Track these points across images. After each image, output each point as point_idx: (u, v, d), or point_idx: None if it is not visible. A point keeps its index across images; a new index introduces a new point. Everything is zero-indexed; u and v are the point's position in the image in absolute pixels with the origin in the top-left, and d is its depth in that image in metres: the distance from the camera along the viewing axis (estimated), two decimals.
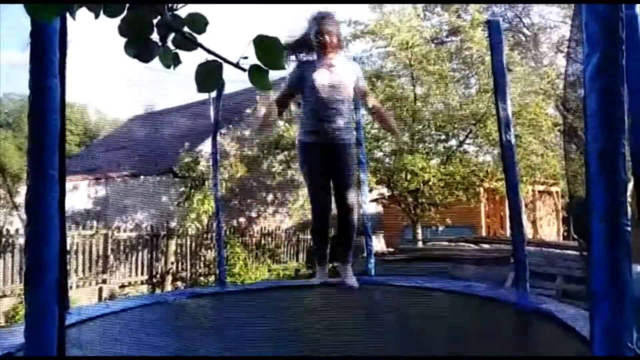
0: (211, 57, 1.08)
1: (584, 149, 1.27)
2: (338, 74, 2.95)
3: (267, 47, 1.04)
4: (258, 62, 1.06)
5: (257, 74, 1.06)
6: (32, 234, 1.20)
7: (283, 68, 1.10)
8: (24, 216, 1.25)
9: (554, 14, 13.25)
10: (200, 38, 1.13)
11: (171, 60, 1.15)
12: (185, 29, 1.10)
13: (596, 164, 1.22)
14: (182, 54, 1.32)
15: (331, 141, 2.90)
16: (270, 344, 3.16)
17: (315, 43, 2.99)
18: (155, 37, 1.11)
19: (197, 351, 2.75)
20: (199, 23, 1.09)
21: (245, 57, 1.06)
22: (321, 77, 2.94)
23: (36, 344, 1.20)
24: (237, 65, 1.06)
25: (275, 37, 1.05)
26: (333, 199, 3.03)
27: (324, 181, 2.95)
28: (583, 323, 2.79)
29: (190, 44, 1.10)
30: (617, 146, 1.20)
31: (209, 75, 1.07)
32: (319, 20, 3.01)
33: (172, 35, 1.11)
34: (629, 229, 1.21)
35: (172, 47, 1.13)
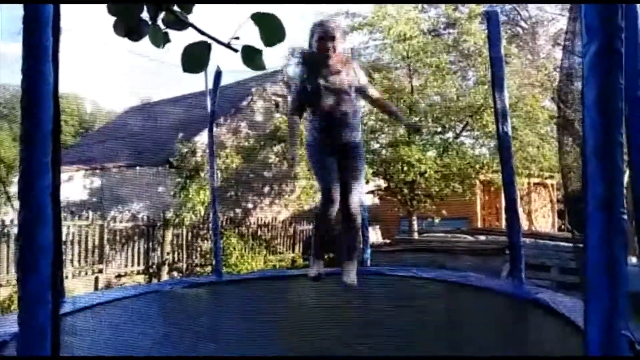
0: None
1: (582, 137, 1.27)
2: (340, 77, 3.02)
3: (267, 23, 1.02)
4: (250, 43, 1.04)
5: (249, 54, 1.04)
6: (25, 220, 1.18)
7: (281, 41, 1.07)
8: (18, 206, 1.23)
9: (551, 6, 13.21)
10: (191, 17, 1.11)
11: (161, 40, 1.12)
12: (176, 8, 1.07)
13: (593, 153, 1.21)
14: (181, 44, 1.29)
15: (339, 141, 2.99)
16: (265, 334, 3.17)
17: (316, 49, 3.06)
18: (144, 16, 1.08)
19: (188, 340, 2.75)
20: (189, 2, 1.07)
21: (237, 38, 1.04)
22: (324, 83, 3.00)
23: (29, 331, 1.19)
24: (228, 46, 1.04)
25: (272, 13, 1.03)
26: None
27: (333, 176, 3.01)
28: (578, 313, 2.81)
29: (181, 23, 1.07)
30: (615, 134, 1.19)
31: (197, 56, 1.05)
32: (317, 28, 3.10)
33: (162, 14, 1.09)
34: (625, 217, 1.21)
35: (162, 26, 1.11)
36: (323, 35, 3.00)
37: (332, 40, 2.98)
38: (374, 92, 3.21)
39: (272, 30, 1.07)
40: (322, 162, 3.05)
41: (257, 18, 1.05)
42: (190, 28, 1.20)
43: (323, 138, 3.01)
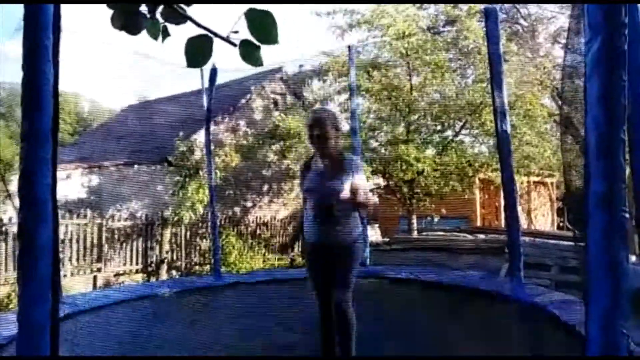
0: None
1: (584, 135, 1.26)
2: (332, 173, 2.84)
3: (259, 20, 1.01)
4: (250, 37, 1.03)
5: (247, 49, 1.03)
6: (25, 218, 1.17)
7: (275, 42, 1.06)
8: (17, 204, 1.22)
9: (551, 4, 13.19)
10: (190, 12, 1.10)
11: (159, 33, 1.11)
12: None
13: (596, 149, 1.20)
14: (178, 42, 1.28)
15: (328, 242, 2.83)
16: (263, 333, 3.16)
17: (309, 141, 2.93)
18: (143, 9, 1.07)
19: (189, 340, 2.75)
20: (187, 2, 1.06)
21: (236, 32, 1.03)
22: (314, 179, 2.89)
23: (29, 329, 1.19)
24: (227, 40, 1.03)
25: (267, 10, 1.02)
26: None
27: (321, 281, 2.88)
28: (575, 311, 2.80)
29: (179, 17, 1.06)
30: (617, 132, 1.18)
31: (199, 50, 1.03)
32: (311, 118, 2.96)
33: (160, 8, 1.07)
34: (626, 215, 1.20)
35: (160, 19, 1.10)
36: (311, 123, 2.87)
37: (321, 129, 2.81)
38: (362, 194, 2.82)
39: (265, 29, 1.06)
40: (309, 263, 2.97)
41: (250, 15, 1.04)
42: (188, 22, 1.19)
43: (311, 234, 2.89)
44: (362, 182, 2.82)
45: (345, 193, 2.76)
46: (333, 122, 2.86)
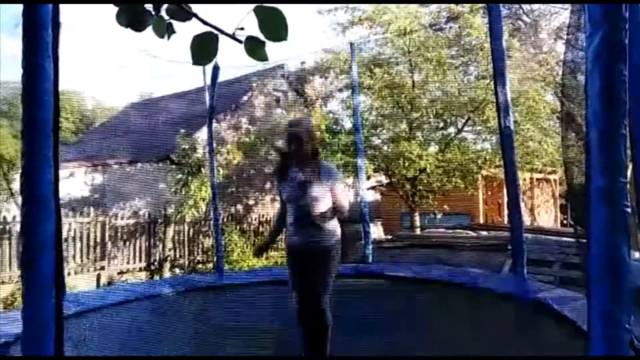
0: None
1: (585, 130, 1.25)
2: (310, 182, 2.97)
3: (269, 17, 1.01)
4: (254, 34, 1.03)
5: (253, 46, 1.04)
6: (27, 216, 1.18)
7: (284, 39, 1.07)
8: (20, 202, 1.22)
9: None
10: (195, 9, 1.10)
11: (164, 31, 1.11)
12: None
13: (597, 144, 1.20)
14: (180, 40, 1.28)
15: (306, 247, 2.95)
16: (266, 334, 3.17)
17: (288, 152, 3.05)
18: (148, 6, 1.07)
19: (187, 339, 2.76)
20: None
21: (242, 28, 1.04)
22: (294, 188, 3.01)
23: (33, 326, 1.19)
24: (232, 37, 1.03)
25: (275, 7, 1.02)
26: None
27: (300, 283, 2.98)
28: (580, 308, 2.80)
29: (184, 14, 1.06)
30: (618, 126, 1.18)
31: (205, 47, 1.04)
32: (288, 130, 3.09)
33: (166, 5, 1.08)
34: (628, 210, 1.20)
35: (165, 16, 1.10)
36: (289, 137, 3.02)
37: (297, 143, 2.97)
38: (338, 198, 3.00)
39: (274, 26, 1.06)
40: (289, 267, 3.07)
41: (259, 12, 1.04)
42: (193, 20, 1.19)
43: (291, 238, 3.04)
44: (340, 192, 2.99)
45: (327, 203, 2.93)
46: (308, 134, 3.02)
